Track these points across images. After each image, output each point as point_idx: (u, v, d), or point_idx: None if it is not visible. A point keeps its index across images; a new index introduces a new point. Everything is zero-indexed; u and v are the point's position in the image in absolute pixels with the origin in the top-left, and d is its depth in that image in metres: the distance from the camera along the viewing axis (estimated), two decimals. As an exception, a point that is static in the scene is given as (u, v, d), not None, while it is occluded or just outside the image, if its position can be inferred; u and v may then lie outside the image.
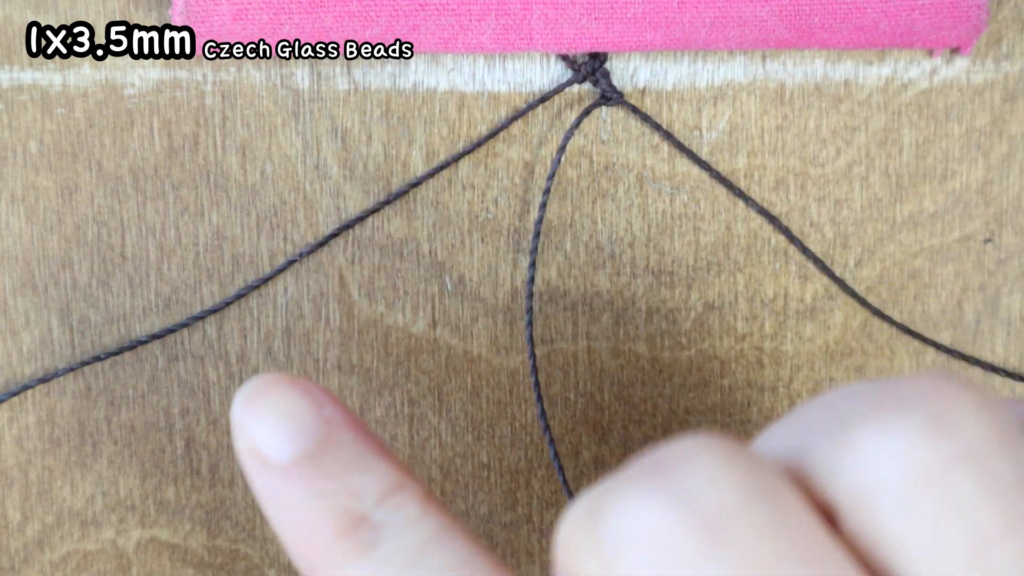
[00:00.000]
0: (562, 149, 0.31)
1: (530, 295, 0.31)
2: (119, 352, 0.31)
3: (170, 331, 0.31)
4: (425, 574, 0.21)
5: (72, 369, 0.31)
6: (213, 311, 0.31)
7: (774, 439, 0.20)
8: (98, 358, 0.31)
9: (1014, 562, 0.17)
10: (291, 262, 0.31)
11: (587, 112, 0.30)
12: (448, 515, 0.22)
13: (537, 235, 0.31)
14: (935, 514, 0.17)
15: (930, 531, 0.17)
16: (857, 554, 0.18)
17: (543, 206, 0.31)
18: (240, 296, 0.31)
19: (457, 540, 0.21)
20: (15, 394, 0.31)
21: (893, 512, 0.18)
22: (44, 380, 0.31)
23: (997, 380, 0.33)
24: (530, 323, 0.31)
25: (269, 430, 0.22)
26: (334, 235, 0.31)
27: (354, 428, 0.23)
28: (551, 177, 0.31)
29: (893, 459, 0.18)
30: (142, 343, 0.31)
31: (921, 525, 0.17)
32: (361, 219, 0.31)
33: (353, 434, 0.23)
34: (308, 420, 0.22)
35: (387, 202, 0.31)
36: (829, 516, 0.18)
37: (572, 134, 0.31)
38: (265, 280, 0.31)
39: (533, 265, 0.31)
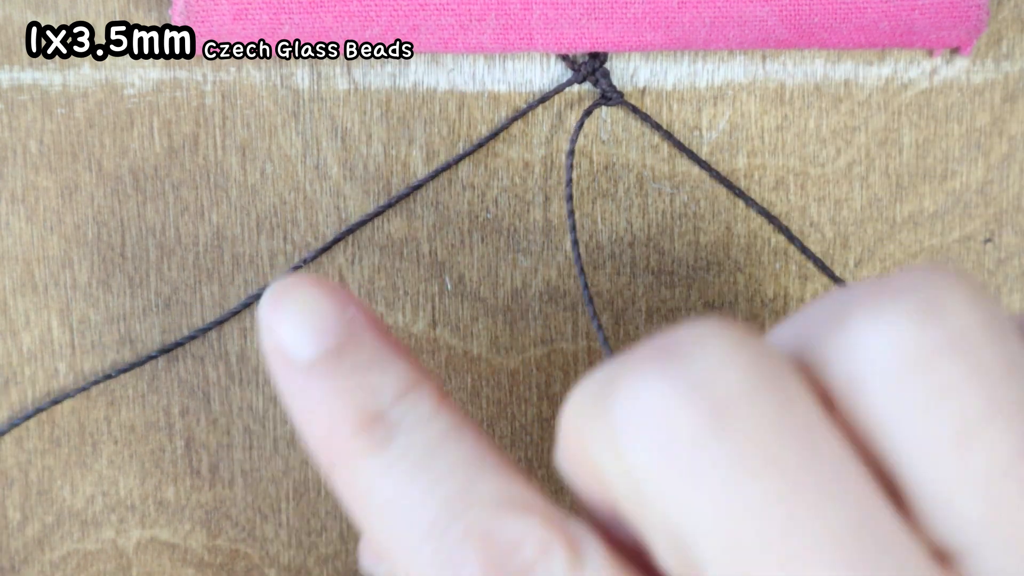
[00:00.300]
0: (571, 154, 0.31)
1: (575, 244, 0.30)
2: (129, 369, 0.31)
3: (178, 344, 0.31)
4: (435, 468, 0.21)
5: (84, 389, 0.31)
6: (219, 322, 0.31)
7: (782, 333, 0.20)
8: (108, 376, 0.31)
9: (997, 446, 0.18)
10: (295, 268, 0.31)
11: (589, 112, 0.30)
12: (461, 414, 0.22)
13: (573, 228, 0.31)
14: (922, 398, 0.18)
15: (917, 415, 0.18)
16: (852, 440, 0.18)
17: (569, 197, 0.30)
18: (246, 305, 0.31)
19: (468, 438, 0.22)
20: (29, 417, 0.31)
21: (883, 397, 0.18)
22: (56, 401, 0.31)
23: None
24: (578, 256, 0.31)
25: (293, 330, 0.23)
26: (338, 239, 0.31)
27: (375, 329, 0.23)
28: (569, 183, 0.31)
29: (883, 345, 0.18)
30: (151, 358, 0.31)
31: (909, 409, 0.18)
32: (363, 223, 0.31)
33: (374, 334, 0.23)
34: (331, 320, 0.23)
35: (389, 205, 0.31)
36: (827, 404, 0.19)
37: (577, 136, 0.31)
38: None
39: (575, 243, 0.30)
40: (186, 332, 0.31)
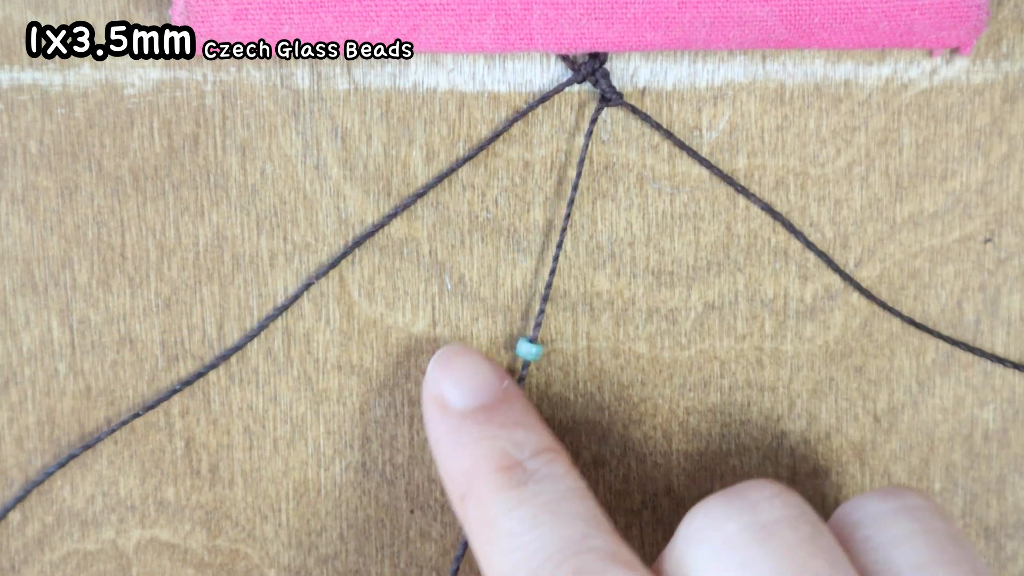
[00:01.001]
0: (582, 161, 0.31)
1: (545, 299, 0.31)
2: (155, 405, 0.31)
3: (200, 375, 0.31)
4: (560, 515, 0.25)
5: (112, 431, 0.31)
6: (237, 348, 0.31)
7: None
8: (136, 415, 0.31)
9: None
10: (308, 285, 0.31)
11: (595, 118, 0.30)
12: (585, 483, 0.27)
13: (559, 245, 0.31)
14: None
15: None
16: None
17: (567, 217, 0.31)
18: (262, 328, 0.31)
19: (589, 501, 0.26)
20: (63, 464, 0.31)
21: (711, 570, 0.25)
22: (88, 446, 0.31)
23: (997, 379, 0.33)
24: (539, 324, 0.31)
25: (455, 385, 0.28)
26: (347, 253, 0.31)
27: (525, 400, 0.29)
28: (575, 188, 0.31)
29: (713, 531, 0.26)
30: (175, 391, 0.31)
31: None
32: (372, 233, 0.31)
33: (523, 403, 0.28)
34: (490, 382, 0.28)
35: (395, 213, 0.31)
36: None
37: (588, 141, 0.31)
38: (285, 308, 0.31)
39: (553, 272, 0.31)
40: (186, 332, 0.31)
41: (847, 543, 0.27)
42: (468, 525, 0.27)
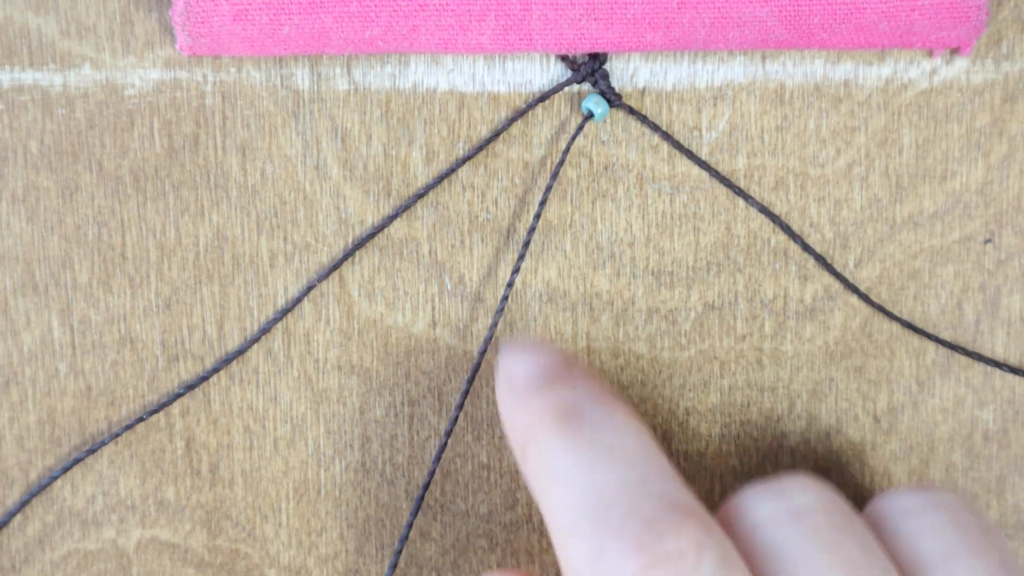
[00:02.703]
0: (566, 152, 0.31)
1: (510, 284, 0.31)
2: (158, 410, 0.31)
3: (204, 378, 0.31)
4: (617, 459, 0.25)
5: (116, 435, 0.31)
6: (240, 352, 0.31)
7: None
8: (140, 419, 0.31)
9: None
10: (310, 288, 0.31)
11: (587, 118, 0.31)
12: (649, 432, 0.27)
13: (532, 231, 0.31)
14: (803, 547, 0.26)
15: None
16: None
17: (542, 203, 0.31)
18: (265, 331, 0.31)
19: (650, 446, 0.26)
20: (67, 469, 0.31)
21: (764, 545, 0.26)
22: (92, 451, 0.31)
23: (997, 380, 0.33)
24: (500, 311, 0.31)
25: (520, 356, 0.28)
26: (347, 256, 0.31)
27: (586, 365, 0.29)
28: (554, 176, 0.31)
29: (745, 517, 0.27)
30: (179, 396, 0.31)
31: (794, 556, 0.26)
32: (374, 234, 0.31)
33: (585, 367, 0.28)
34: (549, 362, 0.28)
35: (396, 214, 0.31)
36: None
37: (575, 139, 0.31)
38: (288, 310, 0.31)
39: (522, 258, 0.31)
40: (186, 332, 0.31)
41: (877, 533, 0.28)
42: (528, 475, 0.27)
